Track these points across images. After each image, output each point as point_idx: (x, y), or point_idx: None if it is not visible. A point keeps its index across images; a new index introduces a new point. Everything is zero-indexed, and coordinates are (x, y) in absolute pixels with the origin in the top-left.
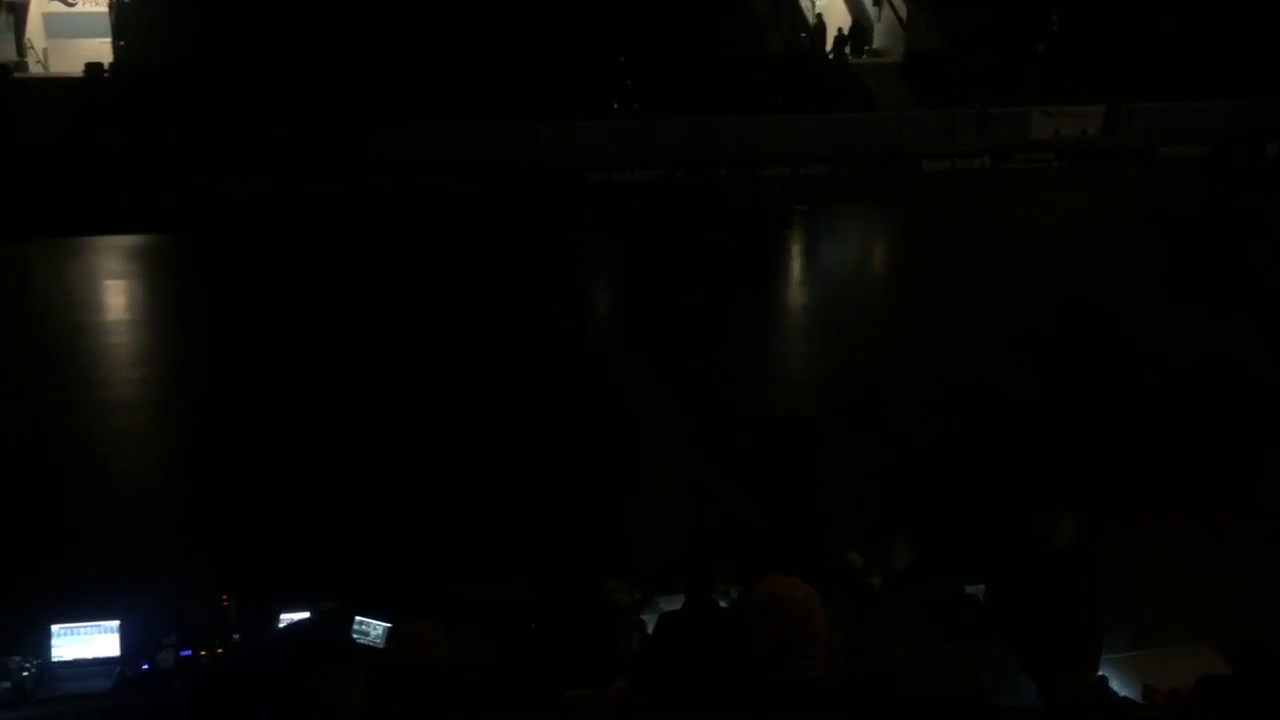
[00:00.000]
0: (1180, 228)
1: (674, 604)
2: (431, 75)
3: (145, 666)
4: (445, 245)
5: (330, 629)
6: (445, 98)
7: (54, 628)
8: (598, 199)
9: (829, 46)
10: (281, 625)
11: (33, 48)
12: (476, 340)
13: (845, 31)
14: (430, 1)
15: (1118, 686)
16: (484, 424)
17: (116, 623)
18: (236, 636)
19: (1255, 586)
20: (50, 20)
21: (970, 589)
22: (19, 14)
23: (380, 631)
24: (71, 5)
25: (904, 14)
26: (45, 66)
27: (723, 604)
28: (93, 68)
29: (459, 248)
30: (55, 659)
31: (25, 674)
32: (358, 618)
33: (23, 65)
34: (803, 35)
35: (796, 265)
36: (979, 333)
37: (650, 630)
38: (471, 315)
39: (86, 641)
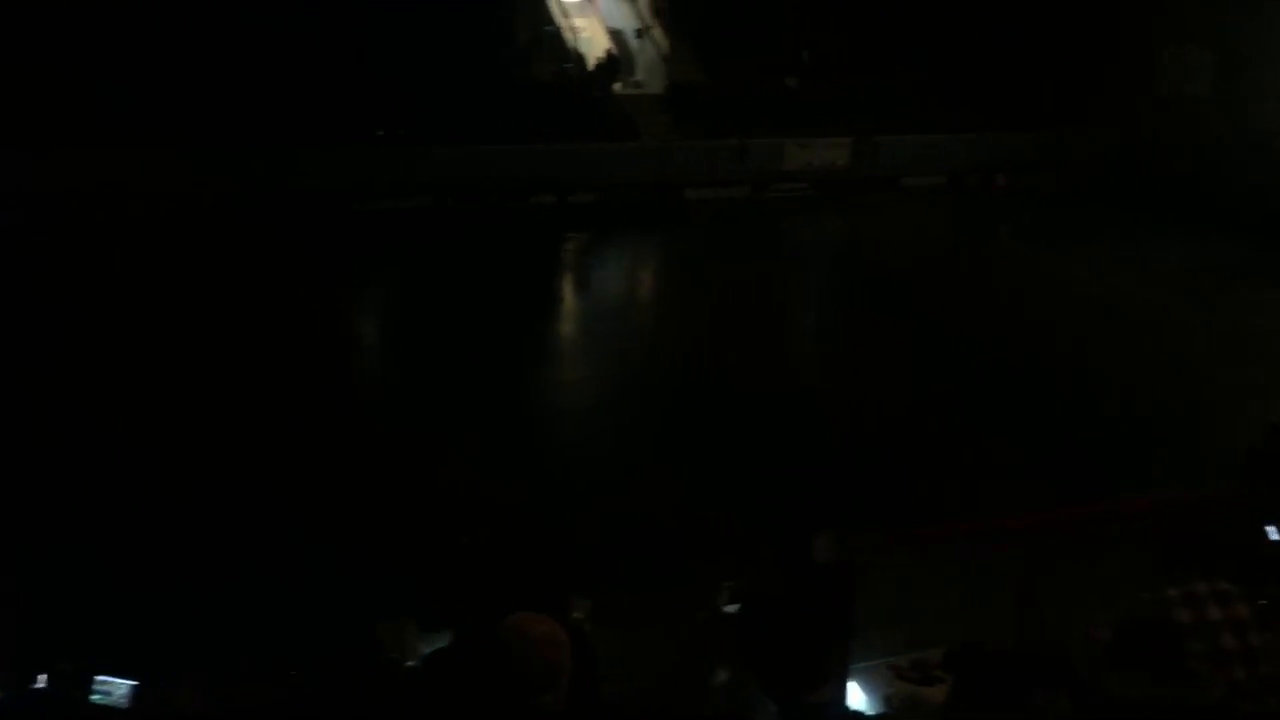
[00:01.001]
0: (916, 250)
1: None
2: (187, 99)
3: None
4: (185, 273)
5: (60, 694)
6: (202, 123)
7: None
8: (363, 227)
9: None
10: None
11: None
12: (207, 376)
13: (603, 61)
14: (186, 22)
15: (868, 693)
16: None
17: None
18: None
19: (989, 591)
20: None
21: (729, 609)
22: None
23: (125, 690)
24: None
25: (665, 47)
26: None
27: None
28: None
29: (202, 276)
30: None
31: None
32: (98, 678)
33: None
34: (566, 65)
35: (573, 291)
36: (748, 352)
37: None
38: (203, 349)
39: None
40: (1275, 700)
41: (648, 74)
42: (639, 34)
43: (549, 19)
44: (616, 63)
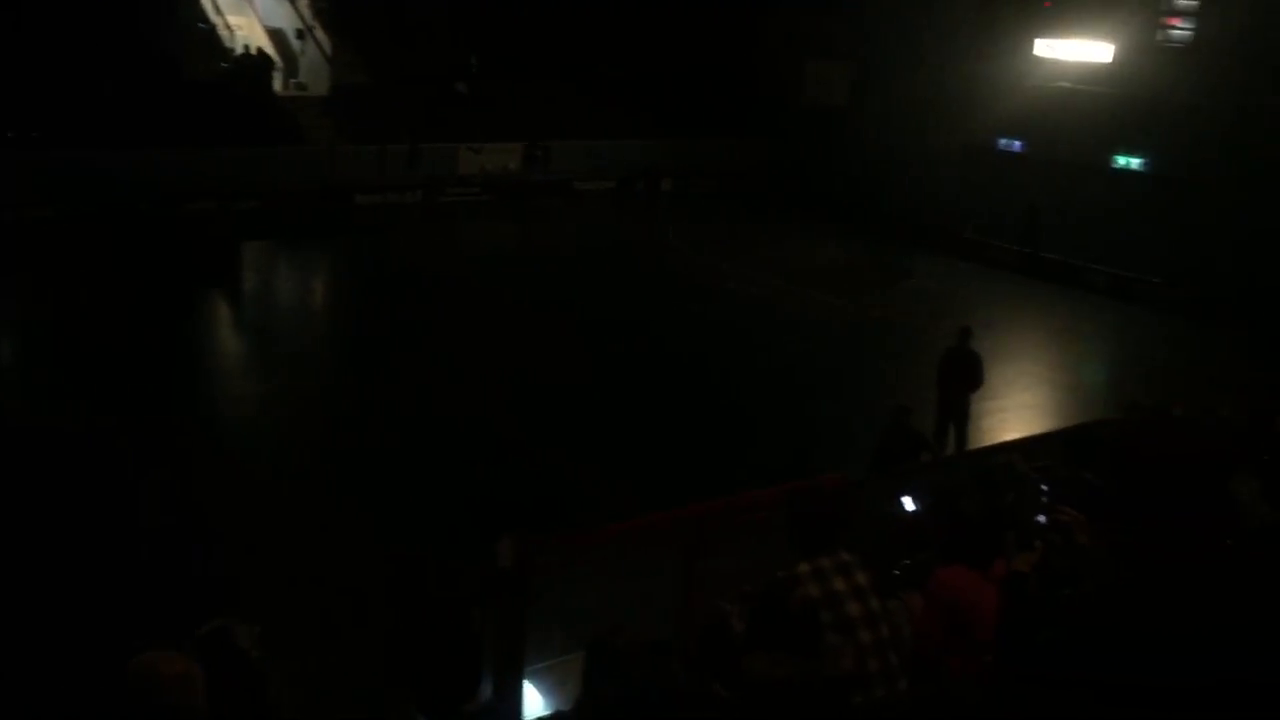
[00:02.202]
0: (586, 252)
1: None
2: None
3: None
4: None
5: None
6: None
7: None
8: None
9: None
10: None
11: None
12: None
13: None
14: None
15: (544, 693)
16: None
17: None
18: None
19: (657, 584)
20: None
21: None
22: None
23: None
24: None
25: (328, 49)
26: None
27: None
28: None
29: None
30: None
31: None
32: None
33: None
34: (224, 65)
35: (234, 303)
36: (418, 359)
37: None
38: None
39: None
40: (895, 657)
41: (311, 76)
42: (300, 35)
43: (203, 16)
44: (270, 63)
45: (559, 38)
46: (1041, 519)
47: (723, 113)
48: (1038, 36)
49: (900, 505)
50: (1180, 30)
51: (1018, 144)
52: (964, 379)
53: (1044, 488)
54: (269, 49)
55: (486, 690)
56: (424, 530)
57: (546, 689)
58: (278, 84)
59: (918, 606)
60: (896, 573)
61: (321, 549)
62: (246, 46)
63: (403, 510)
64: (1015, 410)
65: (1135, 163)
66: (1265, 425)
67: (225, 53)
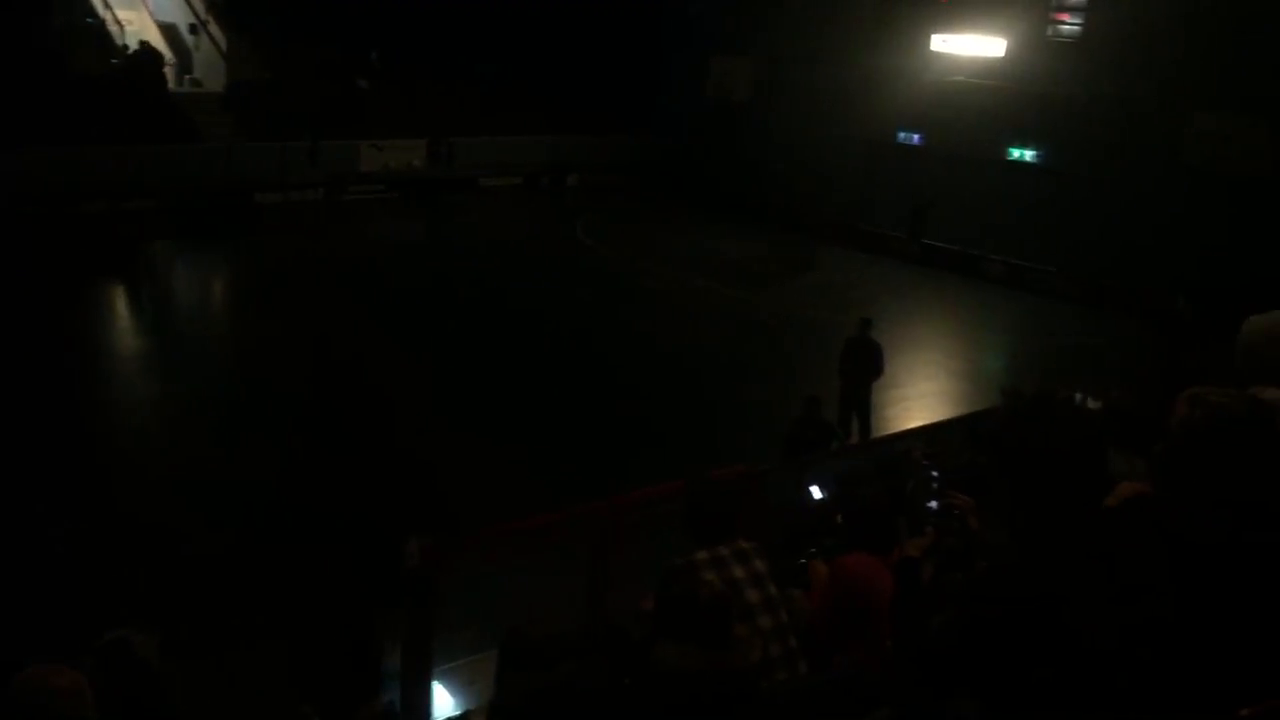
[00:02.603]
0: (492, 249)
1: None
2: None
3: None
4: None
5: None
6: None
7: None
8: None
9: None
10: None
11: None
12: None
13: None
14: None
15: (454, 693)
16: None
17: None
18: None
19: (566, 579)
20: None
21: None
22: None
23: None
24: None
25: (223, 44)
26: None
27: None
28: None
29: None
30: None
31: None
32: None
33: None
34: (113, 61)
35: (129, 305)
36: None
37: None
38: None
39: None
40: (795, 641)
41: (206, 72)
42: (193, 29)
43: (90, 10)
44: (161, 59)
45: (462, 33)
46: (933, 505)
47: (628, 108)
48: (935, 32)
49: (808, 494)
50: (1070, 25)
51: (917, 137)
52: (865, 368)
53: (934, 474)
54: (161, 44)
55: (388, 692)
56: (328, 532)
57: (456, 689)
58: (171, 80)
59: (819, 589)
60: (803, 560)
61: (222, 553)
62: (139, 42)
63: (306, 513)
64: (917, 399)
65: (1029, 155)
66: (1155, 413)
67: (114, 48)
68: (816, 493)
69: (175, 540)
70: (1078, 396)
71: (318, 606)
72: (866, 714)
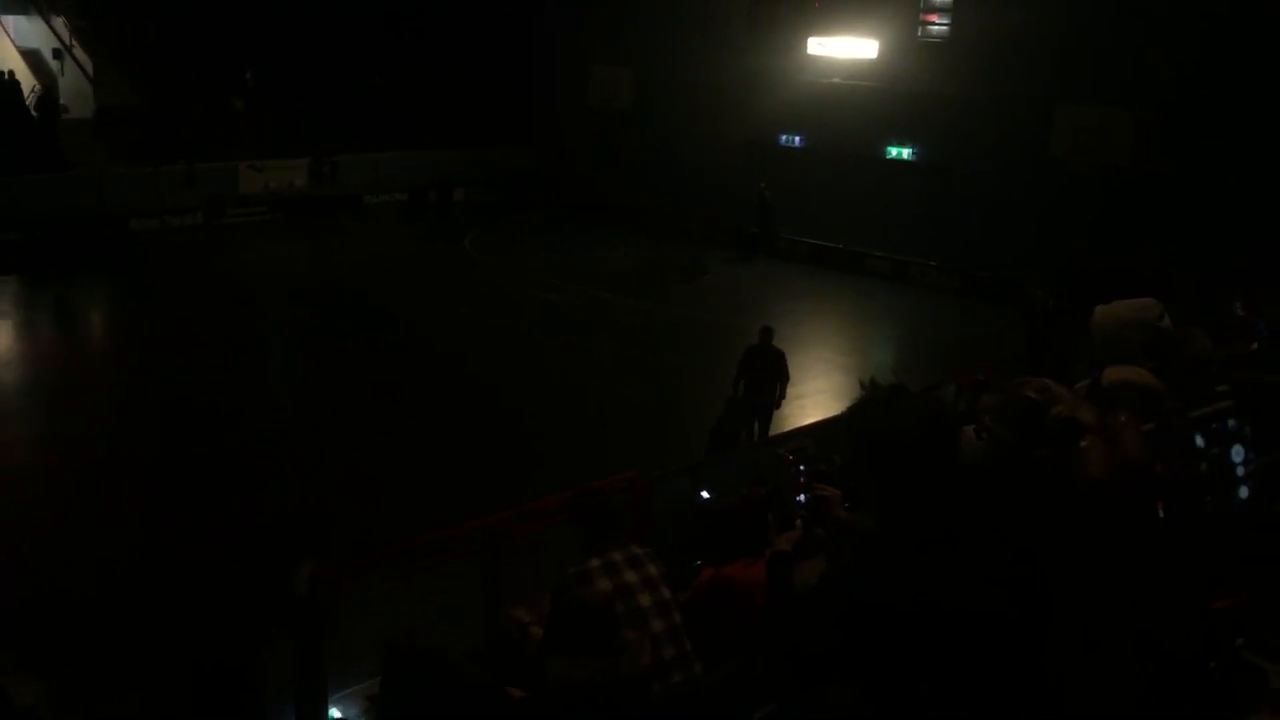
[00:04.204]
0: (381, 266)
1: None
2: None
3: None
4: None
5: None
6: None
7: None
8: None
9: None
10: None
11: None
12: None
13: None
14: None
15: (354, 717)
16: None
17: None
18: None
19: (464, 596)
20: None
21: None
22: None
23: None
24: None
25: (90, 69)
26: None
27: None
28: None
29: None
30: None
31: None
32: None
33: None
34: None
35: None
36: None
37: None
38: None
39: None
40: (687, 643)
41: (72, 98)
42: (57, 54)
43: None
44: (18, 86)
45: (340, 49)
46: (801, 499)
47: (509, 120)
48: (810, 35)
49: (699, 496)
50: (938, 26)
51: (798, 139)
52: (767, 376)
53: (801, 468)
54: (24, 71)
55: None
56: (215, 565)
57: (355, 713)
58: (33, 107)
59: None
60: (699, 563)
61: (101, 594)
62: None
63: (189, 547)
64: (811, 396)
65: (906, 153)
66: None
67: None
68: (705, 495)
69: (51, 581)
70: (950, 388)
71: (197, 642)
72: (753, 711)
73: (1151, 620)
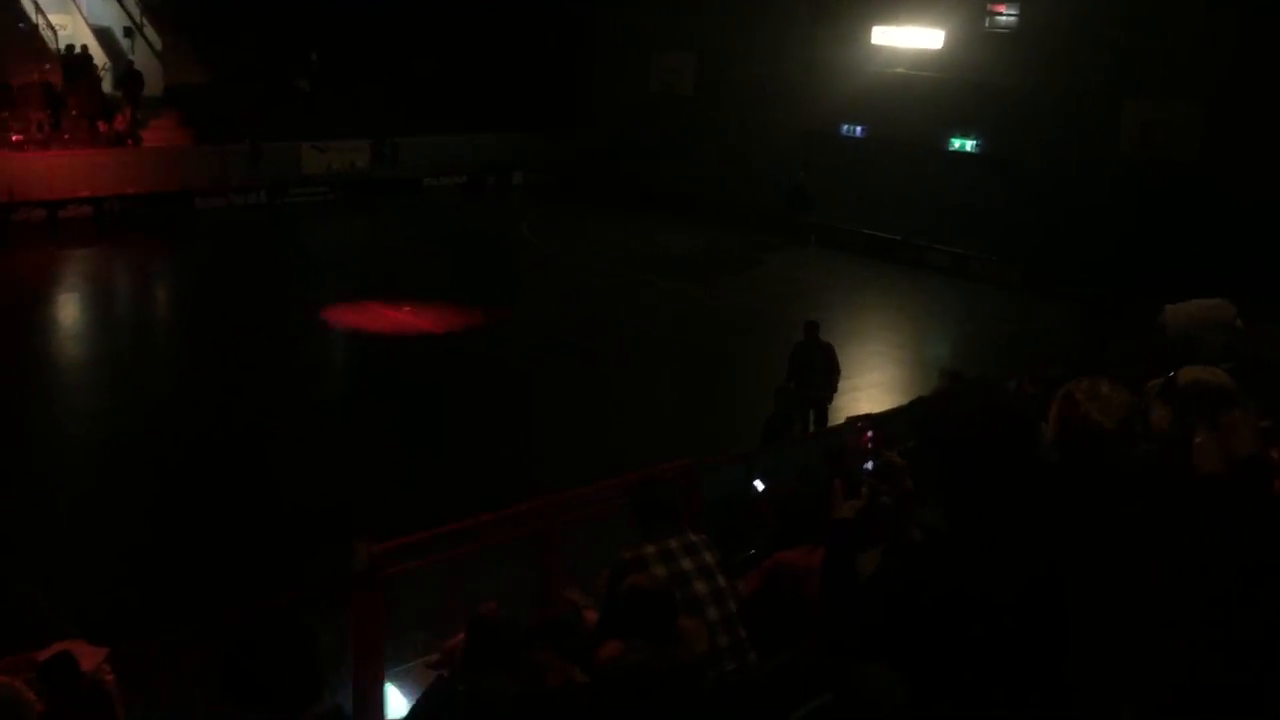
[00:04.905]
0: (439, 248)
1: None
2: None
3: None
4: None
5: None
6: None
7: None
8: None
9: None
10: None
11: None
12: None
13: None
14: None
15: (407, 694)
16: None
17: None
18: None
19: (516, 576)
20: None
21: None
22: None
23: None
24: None
25: (159, 47)
26: None
27: None
28: None
29: None
30: None
31: None
32: None
33: None
34: (46, 66)
35: (75, 312)
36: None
37: None
38: None
39: None
40: (742, 632)
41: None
42: (128, 33)
43: (22, 15)
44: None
45: (403, 31)
46: (869, 466)
47: (569, 105)
48: (875, 25)
49: (752, 487)
50: (1006, 17)
51: (859, 129)
52: (820, 371)
53: (869, 434)
54: (96, 49)
55: (330, 696)
56: (272, 539)
57: (409, 690)
58: (106, 85)
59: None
60: (753, 551)
61: (162, 563)
62: (69, 46)
63: (249, 519)
64: (865, 389)
65: (969, 145)
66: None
67: (48, 53)
68: (759, 485)
69: (119, 549)
70: (1012, 384)
71: (257, 613)
72: (809, 700)
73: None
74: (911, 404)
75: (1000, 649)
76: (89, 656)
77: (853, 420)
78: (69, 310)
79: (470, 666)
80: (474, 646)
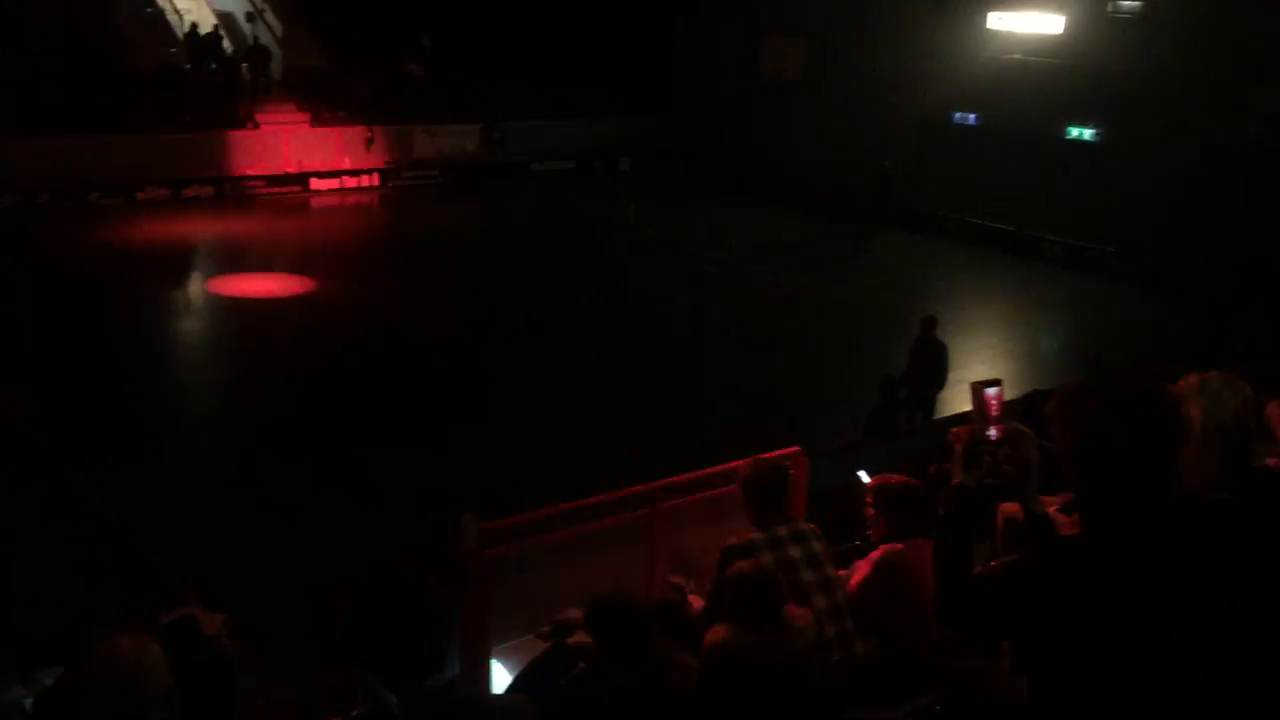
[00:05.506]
0: (550, 232)
1: None
2: None
3: None
4: None
5: None
6: None
7: None
8: None
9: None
10: None
11: None
12: None
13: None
14: None
15: (512, 671)
16: None
17: None
18: None
19: (622, 559)
20: None
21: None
22: None
23: None
24: None
25: (280, 32)
26: None
27: None
28: None
29: None
30: None
31: None
32: None
33: None
34: (171, 50)
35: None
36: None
37: None
38: None
39: None
40: (852, 622)
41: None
42: (250, 18)
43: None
44: (219, 43)
45: (513, 17)
46: (992, 433)
47: (678, 91)
48: (991, 9)
49: (857, 479)
50: (1131, 3)
51: (973, 117)
52: (932, 370)
53: (994, 400)
54: (219, 33)
55: (453, 666)
56: (378, 515)
57: (514, 667)
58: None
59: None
60: (857, 543)
61: (273, 536)
62: (195, 27)
63: (357, 496)
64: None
65: (1088, 134)
66: None
67: (174, 37)
68: (865, 477)
69: (228, 523)
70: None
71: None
72: (920, 694)
73: None
74: (1027, 396)
75: (1160, 675)
76: (209, 623)
77: (975, 385)
78: (190, 289)
79: (597, 646)
80: (601, 627)
